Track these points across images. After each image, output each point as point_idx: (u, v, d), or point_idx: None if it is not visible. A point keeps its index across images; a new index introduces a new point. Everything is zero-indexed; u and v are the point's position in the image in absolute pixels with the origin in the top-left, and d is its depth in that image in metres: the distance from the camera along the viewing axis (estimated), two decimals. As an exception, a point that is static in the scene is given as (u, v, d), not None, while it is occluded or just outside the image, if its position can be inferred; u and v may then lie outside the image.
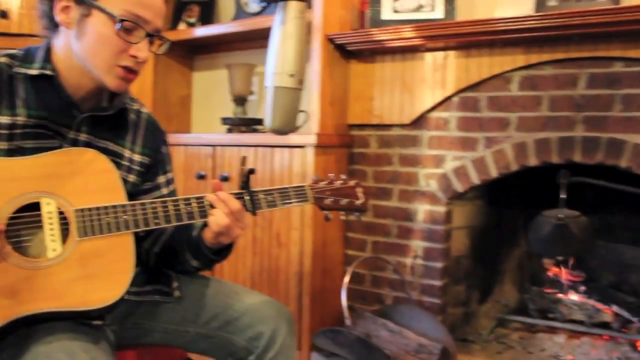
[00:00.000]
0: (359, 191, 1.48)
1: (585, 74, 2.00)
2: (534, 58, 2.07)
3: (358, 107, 2.43)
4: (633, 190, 1.88)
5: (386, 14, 2.32)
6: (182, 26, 2.96)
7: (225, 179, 2.48)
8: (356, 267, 2.32)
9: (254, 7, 2.76)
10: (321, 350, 2.17)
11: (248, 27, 2.63)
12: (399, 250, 2.37)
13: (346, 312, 2.11)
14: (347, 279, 2.17)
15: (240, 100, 2.76)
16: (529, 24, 1.98)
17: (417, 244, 2.32)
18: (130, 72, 1.26)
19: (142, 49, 1.24)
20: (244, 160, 1.43)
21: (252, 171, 1.37)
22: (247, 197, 1.35)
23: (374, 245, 2.43)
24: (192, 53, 3.20)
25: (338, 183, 1.47)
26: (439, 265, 2.29)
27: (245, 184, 1.37)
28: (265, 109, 1.20)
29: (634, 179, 1.96)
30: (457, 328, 2.43)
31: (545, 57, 2.05)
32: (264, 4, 1.31)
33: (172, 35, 2.83)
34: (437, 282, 2.30)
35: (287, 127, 1.18)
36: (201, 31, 2.86)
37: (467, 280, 2.45)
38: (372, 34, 2.27)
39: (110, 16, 1.20)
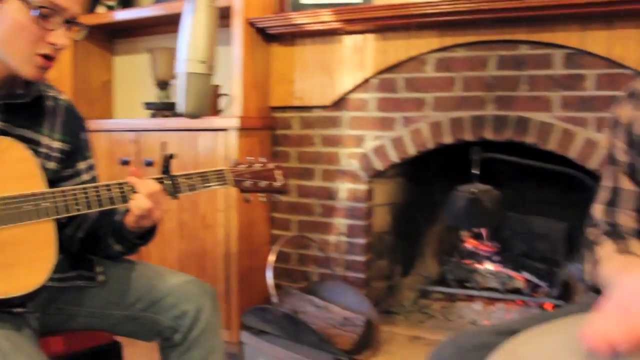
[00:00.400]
0: (278, 173, 1.52)
1: (494, 56, 2.11)
2: (448, 41, 2.16)
3: (280, 89, 2.46)
4: (539, 164, 2.01)
5: (306, -3, 2.36)
6: (100, 9, 2.90)
7: (149, 163, 2.47)
8: (282, 246, 2.37)
9: (174, -10, 2.73)
10: (250, 329, 2.23)
11: (169, 10, 2.60)
12: (323, 228, 2.44)
13: (272, 290, 2.17)
14: (272, 257, 2.22)
15: (163, 85, 2.74)
16: (442, 8, 2.06)
17: (341, 222, 2.40)
18: (49, 60, 1.25)
19: (60, 36, 1.22)
20: (164, 145, 1.45)
21: (171, 156, 1.39)
22: (167, 181, 1.38)
23: (299, 224, 2.49)
24: (112, 37, 3.14)
25: (257, 166, 1.51)
26: (362, 241, 2.38)
27: (165, 168, 1.39)
28: (178, 94, 1.23)
29: (541, 154, 2.09)
30: (382, 301, 2.53)
31: (458, 40, 2.15)
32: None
33: (91, 19, 2.78)
34: (361, 258, 2.39)
35: (200, 111, 1.21)
36: (121, 15, 2.81)
37: (390, 255, 2.55)
38: (292, 18, 2.31)
39: (26, 3, 1.18)
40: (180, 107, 1.18)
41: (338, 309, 2.20)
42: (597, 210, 1.13)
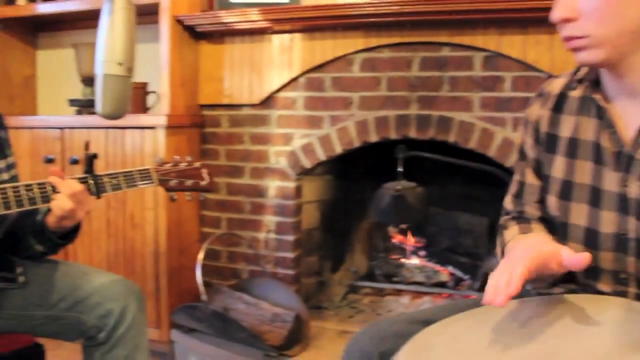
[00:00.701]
0: (204, 172, 1.53)
1: (418, 57, 2.18)
2: (373, 42, 2.21)
3: (209, 87, 2.46)
4: (460, 162, 2.08)
5: (234, -4, 2.37)
6: (21, 1, 2.80)
7: (75, 162, 2.41)
8: (212, 244, 2.37)
9: (100, -16, 2.67)
10: (180, 327, 2.22)
11: (94, 5, 2.54)
12: (253, 226, 2.45)
13: (202, 288, 2.17)
14: (201, 255, 2.22)
15: (89, 81, 2.67)
16: (367, 10, 2.11)
17: (270, 219, 2.42)
18: None
19: None
20: (87, 145, 1.44)
21: (94, 155, 1.38)
22: (90, 181, 1.36)
23: (228, 222, 2.50)
24: (35, 30, 3.04)
25: (183, 165, 1.51)
26: (291, 238, 2.41)
27: (89, 167, 1.38)
28: (96, 95, 1.22)
29: (463, 152, 2.17)
30: (312, 296, 2.57)
31: (383, 40, 2.20)
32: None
33: (12, 11, 2.69)
34: (290, 255, 2.42)
35: (118, 113, 1.21)
36: (44, 7, 2.72)
37: (320, 251, 2.59)
38: (220, 16, 2.31)
39: None
40: (98, 108, 1.18)
41: (268, 305, 2.23)
42: (507, 201, 1.21)
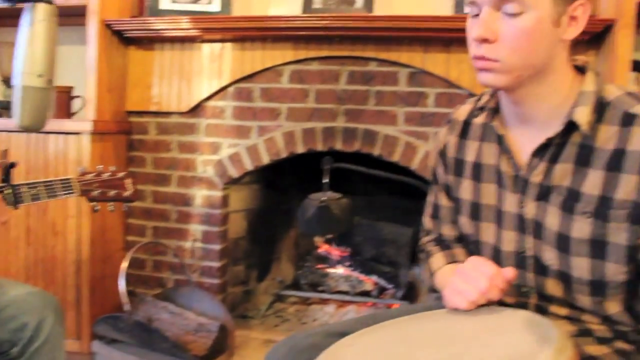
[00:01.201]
0: (128, 182, 1.52)
1: (346, 70, 2.23)
2: (302, 54, 2.25)
3: (137, 94, 2.43)
4: (384, 174, 2.14)
5: (164, 3, 2.35)
6: (-62, -2, 2.68)
7: (-8, 166, 2.33)
8: (137, 253, 2.34)
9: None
10: (102, 338, 2.17)
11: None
12: (179, 235, 2.44)
13: (125, 298, 2.13)
14: (125, 264, 2.18)
15: (10, 82, 2.59)
16: (296, 23, 2.15)
17: (196, 228, 2.41)
18: None
19: None
20: (4, 153, 1.40)
21: (12, 165, 1.35)
22: (7, 191, 1.33)
23: (154, 231, 2.47)
24: (-49, 28, 2.92)
25: (106, 175, 1.50)
26: (217, 247, 2.40)
27: (6, 177, 1.35)
28: (13, 106, 1.19)
29: (388, 164, 2.24)
30: (238, 306, 2.57)
31: (312, 53, 2.24)
32: (7, 4, 1.28)
33: None
34: (216, 264, 2.41)
35: (36, 125, 1.18)
36: (-38, 5, 2.62)
37: (246, 260, 2.60)
38: (150, 23, 2.29)
39: None
40: (16, 120, 1.15)
41: (193, 315, 2.21)
42: (427, 222, 1.29)
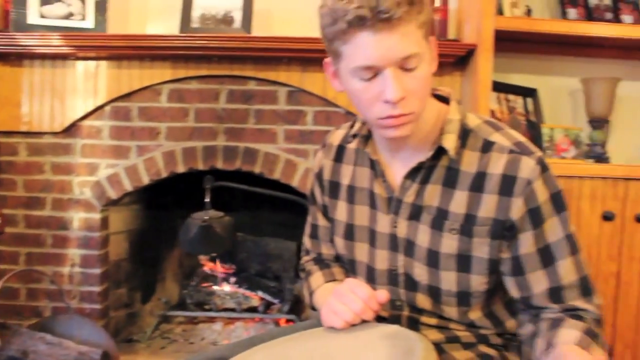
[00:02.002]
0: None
1: (225, 89, 2.25)
2: (181, 73, 2.24)
3: (4, 113, 2.30)
4: (266, 192, 2.17)
5: (32, 18, 2.24)
6: None
7: None
8: (8, 282, 2.21)
9: None
10: (-30, 376, 2.04)
11: None
12: (56, 260, 2.33)
13: (-5, 331, 2.02)
14: (-5, 296, 2.07)
15: None
16: (174, 43, 2.14)
17: (74, 252, 2.32)
18: None
19: None
20: None
21: None
22: None
23: (27, 257, 2.34)
24: None
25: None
26: (97, 271, 2.33)
27: None
28: None
29: (271, 181, 2.27)
30: (122, 329, 2.50)
31: (191, 72, 2.24)
32: None
33: None
34: (97, 288, 2.33)
35: None
36: None
37: (129, 283, 2.53)
38: (17, 38, 2.18)
39: None
40: None
41: (73, 344, 2.12)
42: (306, 241, 1.33)
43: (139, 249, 2.57)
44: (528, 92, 2.43)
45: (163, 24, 2.33)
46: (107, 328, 2.30)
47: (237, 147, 2.24)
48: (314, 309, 1.25)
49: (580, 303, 1.00)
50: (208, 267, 2.74)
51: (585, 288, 1.01)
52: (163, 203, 2.65)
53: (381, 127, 0.99)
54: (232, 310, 2.61)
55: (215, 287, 2.68)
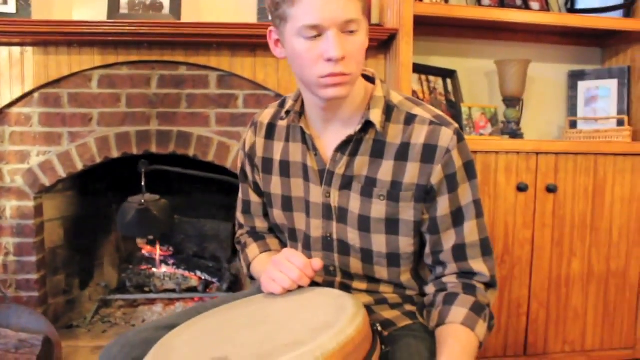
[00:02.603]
0: None
1: (156, 75, 2.28)
2: (111, 59, 2.25)
3: None
4: (201, 174, 2.23)
5: (-48, 5, 2.20)
6: None
7: None
8: (-60, 274, 2.19)
9: None
10: None
11: None
12: (-11, 250, 2.32)
13: None
14: None
15: None
16: (103, 29, 2.14)
17: (8, 241, 2.31)
18: None
19: None
20: None
21: None
22: None
23: (-41, 249, 2.32)
24: None
25: None
26: (33, 259, 2.33)
27: None
28: None
29: (205, 164, 2.32)
30: (62, 316, 2.51)
31: (121, 58, 2.25)
32: None
33: None
34: (34, 276, 2.34)
35: None
36: None
37: (66, 269, 2.54)
38: (-63, 26, 2.13)
39: None
40: None
41: (12, 332, 2.12)
42: (239, 217, 1.41)
43: (75, 236, 2.57)
44: (447, 74, 2.57)
45: (89, 9, 2.32)
46: (46, 315, 2.31)
47: (170, 131, 2.28)
48: (252, 278, 1.34)
49: (477, 265, 1.14)
50: (146, 250, 2.77)
51: (485, 247, 1.15)
52: (97, 189, 2.66)
53: (321, 87, 1.07)
54: (172, 291, 2.67)
55: (154, 270, 2.72)
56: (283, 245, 1.36)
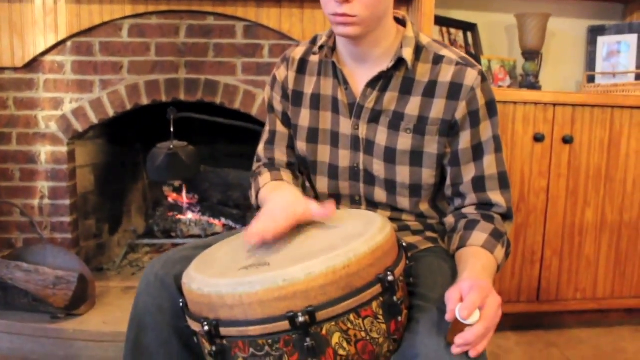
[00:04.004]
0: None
1: (185, 24, 2.34)
2: (141, 8, 2.30)
3: (-39, 49, 2.33)
4: (227, 121, 2.31)
5: (-13, -46, 2.26)
6: None
7: None
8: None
9: None
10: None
11: None
12: (25, 193, 2.42)
13: (-27, 259, 2.11)
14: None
15: None
16: (133, -22, 2.21)
17: (43, 184, 2.42)
18: None
19: None
20: None
21: None
22: None
23: (-3, 191, 2.43)
24: None
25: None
26: (66, 202, 2.43)
27: None
28: None
29: (230, 113, 2.40)
30: (92, 259, 2.63)
31: (151, 8, 2.31)
32: None
33: None
34: (67, 219, 2.44)
35: None
36: None
37: (96, 214, 2.65)
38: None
39: None
40: None
41: (49, 270, 2.21)
42: (260, 149, 1.45)
43: (105, 182, 2.67)
44: (468, 27, 2.61)
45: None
46: (78, 256, 2.41)
47: (198, 79, 2.35)
48: (259, 208, 1.35)
49: (495, 196, 1.22)
50: (172, 197, 2.87)
51: (503, 180, 1.23)
52: (126, 138, 2.74)
53: (332, 24, 1.16)
54: (198, 237, 2.76)
55: (180, 216, 2.82)
56: (299, 181, 1.40)
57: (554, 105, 2.26)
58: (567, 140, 2.27)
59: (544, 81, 2.62)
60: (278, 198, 1.15)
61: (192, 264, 1.04)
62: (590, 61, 2.69)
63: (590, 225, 2.36)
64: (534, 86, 2.51)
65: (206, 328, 0.90)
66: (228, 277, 0.91)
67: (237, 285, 0.87)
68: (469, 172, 1.22)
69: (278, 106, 1.40)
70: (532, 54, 2.54)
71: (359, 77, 1.26)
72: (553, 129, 2.28)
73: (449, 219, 1.26)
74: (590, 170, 2.32)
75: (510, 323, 2.42)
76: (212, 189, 2.91)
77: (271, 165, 1.41)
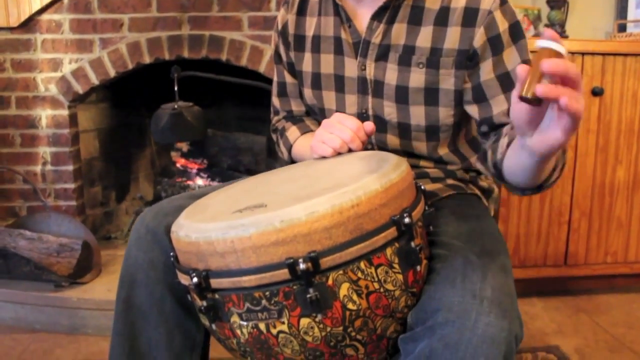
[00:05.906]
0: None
1: (187, -23, 2.22)
2: (140, -38, 2.19)
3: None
4: (233, 80, 2.19)
5: None
6: None
7: None
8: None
9: None
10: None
11: None
12: (27, 159, 2.34)
13: (-27, 227, 2.04)
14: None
15: None
16: None
17: (45, 150, 2.32)
18: None
19: None
20: None
21: None
22: None
23: (-3, 157, 2.35)
24: None
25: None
26: (69, 168, 2.34)
27: None
28: None
29: (236, 71, 2.28)
30: (100, 228, 2.54)
31: (151, -39, 2.19)
32: None
33: None
34: (71, 185, 2.36)
35: None
36: None
37: (103, 181, 2.56)
38: None
39: None
40: None
41: (53, 237, 2.15)
42: (275, 101, 1.36)
43: (111, 148, 2.58)
44: (489, -26, 2.45)
45: None
46: (84, 224, 2.33)
47: (202, 35, 2.23)
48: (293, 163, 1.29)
49: None
50: (180, 163, 2.77)
51: None
52: (131, 102, 2.64)
53: None
54: (207, 202, 2.67)
55: (189, 182, 2.72)
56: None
57: (582, 54, 2.10)
58: (596, 93, 2.12)
59: (570, 31, 2.46)
60: (329, 120, 1.06)
61: (184, 212, 0.93)
62: (621, 9, 2.51)
63: (621, 184, 2.22)
64: (560, 36, 2.35)
65: (195, 280, 0.78)
66: (218, 220, 0.79)
67: (227, 229, 0.75)
68: (499, 106, 1.06)
69: (284, 55, 1.29)
70: (557, 2, 2.38)
71: (363, 11, 1.13)
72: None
73: (487, 147, 1.07)
74: (621, 125, 2.17)
75: (536, 288, 2.29)
76: (222, 153, 2.80)
77: (292, 117, 1.32)
